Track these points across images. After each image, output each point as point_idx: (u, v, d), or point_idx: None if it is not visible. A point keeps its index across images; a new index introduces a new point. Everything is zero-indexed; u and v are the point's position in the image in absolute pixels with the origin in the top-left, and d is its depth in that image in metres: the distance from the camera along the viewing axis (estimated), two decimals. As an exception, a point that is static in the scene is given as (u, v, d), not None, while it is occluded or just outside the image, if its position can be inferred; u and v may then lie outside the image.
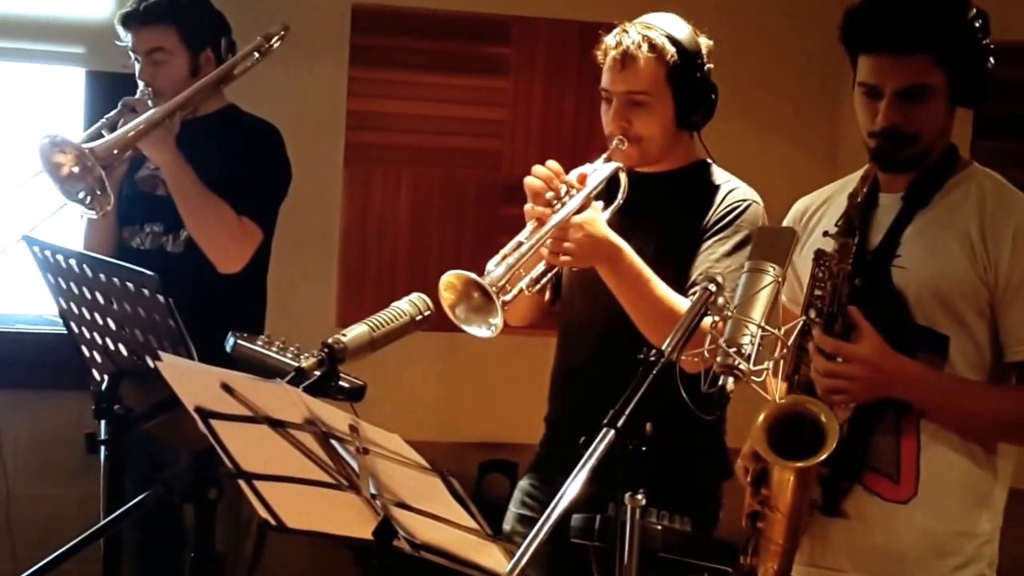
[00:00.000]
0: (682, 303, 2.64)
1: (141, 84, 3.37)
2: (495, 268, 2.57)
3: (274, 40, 3.44)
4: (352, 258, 4.94)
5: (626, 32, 2.78)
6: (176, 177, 3.26)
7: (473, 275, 2.52)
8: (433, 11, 4.89)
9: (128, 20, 3.36)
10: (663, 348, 2.03)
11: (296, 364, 2.07)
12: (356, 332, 2.11)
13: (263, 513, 2.20)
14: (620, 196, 2.78)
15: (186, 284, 3.09)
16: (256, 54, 3.42)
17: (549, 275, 2.74)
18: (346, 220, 4.93)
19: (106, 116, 3.34)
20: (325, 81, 4.82)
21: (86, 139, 3.23)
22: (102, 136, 3.25)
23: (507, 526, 2.96)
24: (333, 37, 4.82)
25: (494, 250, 2.62)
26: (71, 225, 4.26)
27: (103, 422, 2.73)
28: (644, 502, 1.97)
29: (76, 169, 3.13)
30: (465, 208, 4.99)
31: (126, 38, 3.38)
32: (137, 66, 3.39)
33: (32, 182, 3.27)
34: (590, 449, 1.88)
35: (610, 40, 2.79)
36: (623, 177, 2.79)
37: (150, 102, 3.29)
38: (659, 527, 2.11)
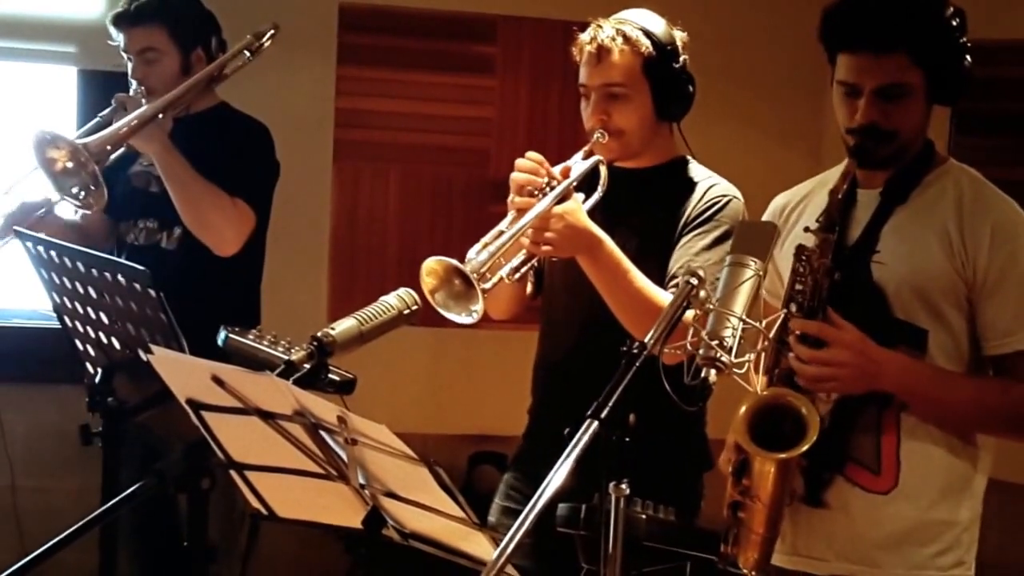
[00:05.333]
0: (662, 296, 2.65)
1: (134, 83, 3.40)
2: (476, 255, 2.56)
3: (265, 39, 3.46)
4: (342, 254, 4.96)
5: (600, 27, 2.79)
6: (168, 165, 3.27)
7: (454, 261, 2.53)
8: (420, 10, 4.92)
9: (119, 20, 3.41)
10: (646, 340, 2.05)
11: (286, 357, 2.08)
12: (345, 326, 2.12)
13: (254, 503, 2.22)
14: (600, 189, 2.79)
15: (180, 280, 3.12)
16: (247, 53, 3.45)
17: (529, 264, 2.73)
18: (336, 217, 4.95)
19: (100, 114, 3.37)
20: (313, 79, 4.84)
21: (81, 136, 3.24)
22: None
23: (492, 518, 2.97)
24: (321, 35, 4.85)
25: (483, 248, 2.64)
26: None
27: (97, 414, 2.77)
28: (628, 491, 1.99)
29: (70, 164, 3.15)
30: (453, 205, 5.02)
31: (118, 38, 3.42)
32: (130, 65, 3.42)
33: (27, 178, 3.31)
34: (574, 440, 1.90)
35: (585, 36, 2.81)
36: (603, 170, 2.80)
37: (143, 100, 3.32)
38: (643, 516, 2.14)
